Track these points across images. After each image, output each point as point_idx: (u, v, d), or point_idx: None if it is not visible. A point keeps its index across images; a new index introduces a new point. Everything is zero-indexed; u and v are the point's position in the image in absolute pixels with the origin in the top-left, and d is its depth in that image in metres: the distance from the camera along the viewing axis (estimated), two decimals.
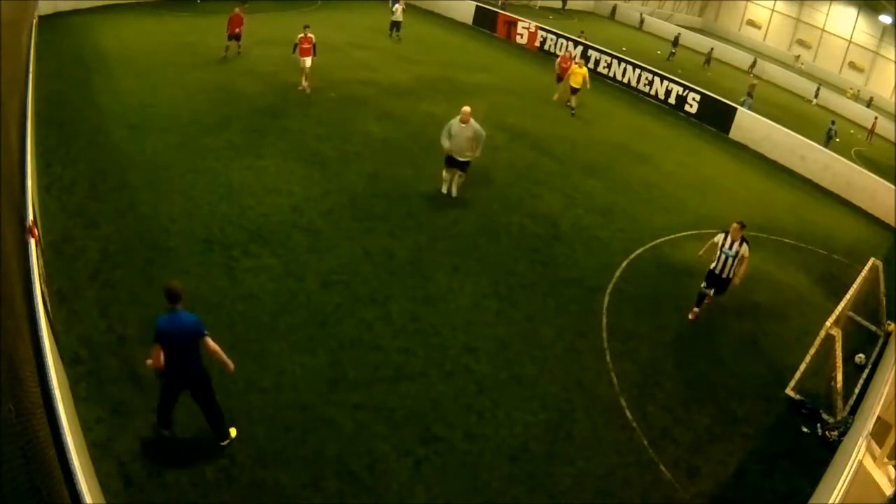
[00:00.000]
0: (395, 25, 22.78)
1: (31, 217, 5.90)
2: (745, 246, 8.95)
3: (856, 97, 37.29)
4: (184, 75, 14.62)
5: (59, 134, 10.76)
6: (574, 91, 18.50)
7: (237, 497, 5.41)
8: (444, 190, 11.44)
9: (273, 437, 6.01)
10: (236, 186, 10.24)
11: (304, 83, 15.24)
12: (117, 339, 6.73)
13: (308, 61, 15.08)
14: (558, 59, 20.13)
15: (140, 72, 14.27)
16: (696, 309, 9.47)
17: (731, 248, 8.94)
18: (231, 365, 5.54)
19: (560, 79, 19.55)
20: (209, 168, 10.67)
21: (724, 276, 9.10)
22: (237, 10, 16.86)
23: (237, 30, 16.69)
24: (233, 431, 5.90)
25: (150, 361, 5.36)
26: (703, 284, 9.30)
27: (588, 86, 18.66)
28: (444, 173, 11.29)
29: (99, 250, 8.10)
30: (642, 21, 44.27)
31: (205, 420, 5.70)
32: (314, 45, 15.11)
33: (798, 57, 43.74)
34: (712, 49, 36.68)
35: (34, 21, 13.49)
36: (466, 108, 10.73)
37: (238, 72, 15.61)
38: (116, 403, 5.97)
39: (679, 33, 36.54)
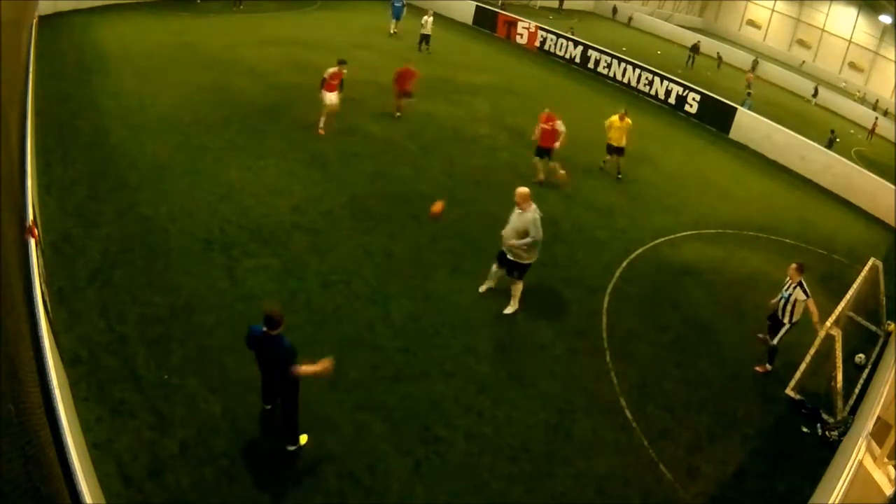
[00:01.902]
0: (425, 38, 21.70)
1: (31, 217, 5.90)
2: (798, 290, 8.24)
3: (862, 100, 36.93)
4: (184, 75, 14.62)
5: (59, 134, 10.76)
6: (613, 151, 13.97)
7: (237, 497, 5.41)
8: (482, 288, 8.78)
9: (273, 437, 6.00)
10: (236, 186, 10.24)
11: (322, 125, 12.95)
12: (117, 339, 6.73)
13: (335, 97, 12.74)
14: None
15: (140, 72, 14.28)
16: (767, 365, 8.80)
17: (787, 289, 8.41)
18: (320, 368, 5.50)
19: (543, 152, 12.53)
20: (209, 168, 10.67)
21: (779, 317, 8.53)
22: (409, 65, 14.54)
23: (407, 86, 14.29)
24: (303, 438, 5.96)
25: None
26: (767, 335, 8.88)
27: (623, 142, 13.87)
28: (494, 267, 8.56)
29: (99, 250, 8.10)
30: (615, 10, 44.54)
31: (279, 419, 5.89)
32: (342, 81, 12.81)
33: (803, 62, 43.32)
34: (718, 54, 37.14)
35: (34, 21, 13.49)
36: (522, 190, 7.94)
37: (238, 72, 15.61)
38: (116, 403, 5.97)
39: (699, 41, 35.76)
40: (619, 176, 14.22)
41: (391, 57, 20.42)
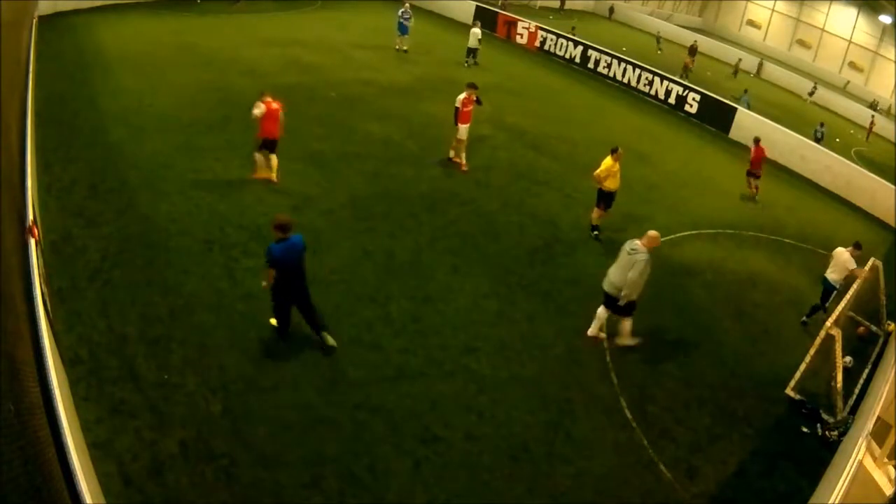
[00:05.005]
0: (472, 52, 20.79)
1: (31, 217, 5.90)
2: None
3: (887, 112, 35.66)
4: (184, 75, 14.62)
5: (59, 134, 10.76)
6: (608, 202, 10.88)
7: (237, 497, 5.41)
8: (592, 331, 8.39)
9: (273, 437, 6.01)
10: (236, 186, 10.24)
11: (463, 160, 12.65)
12: (117, 339, 6.73)
13: (466, 130, 12.22)
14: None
15: (140, 72, 14.27)
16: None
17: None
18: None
19: (267, 144, 10.18)
20: (209, 168, 10.67)
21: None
22: (758, 143, 13.47)
23: (758, 170, 13.22)
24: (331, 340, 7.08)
25: (264, 283, 6.71)
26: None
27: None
28: (601, 309, 8.27)
29: (99, 250, 8.10)
30: (612, 10, 44.41)
31: (309, 324, 7.06)
32: (478, 100, 12.28)
33: (848, 82, 42.37)
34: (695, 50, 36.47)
35: (34, 21, 13.49)
36: (653, 234, 7.93)
37: (238, 72, 15.60)
38: (116, 403, 5.97)
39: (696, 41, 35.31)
40: (596, 234, 11.15)
41: (390, 56, 20.42)
